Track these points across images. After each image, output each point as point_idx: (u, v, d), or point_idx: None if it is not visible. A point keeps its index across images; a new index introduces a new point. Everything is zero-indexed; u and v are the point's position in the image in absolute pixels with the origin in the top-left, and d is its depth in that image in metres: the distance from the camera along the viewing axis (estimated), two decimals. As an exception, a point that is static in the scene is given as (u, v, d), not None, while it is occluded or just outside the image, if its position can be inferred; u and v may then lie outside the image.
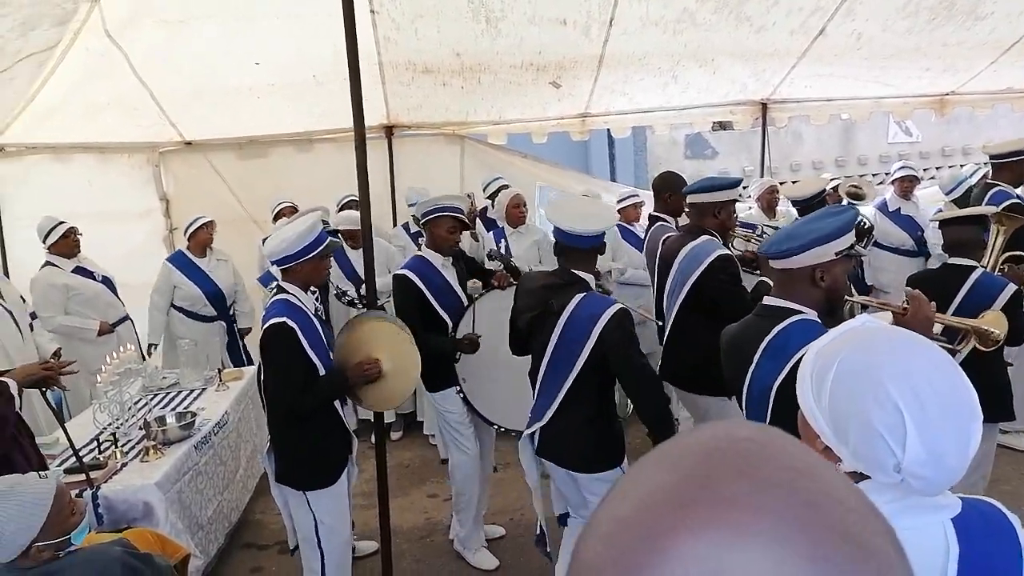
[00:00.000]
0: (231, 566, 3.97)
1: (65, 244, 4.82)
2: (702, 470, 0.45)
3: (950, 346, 2.43)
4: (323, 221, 4.84)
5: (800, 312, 2.00)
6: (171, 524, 3.14)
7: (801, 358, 1.81)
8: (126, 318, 5.08)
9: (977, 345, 2.45)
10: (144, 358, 4.95)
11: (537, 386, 2.98)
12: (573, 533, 3.12)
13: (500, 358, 3.56)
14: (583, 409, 2.85)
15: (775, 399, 1.94)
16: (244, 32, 4.51)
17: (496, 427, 3.70)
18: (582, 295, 2.82)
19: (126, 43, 4.46)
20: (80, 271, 4.89)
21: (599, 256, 3.01)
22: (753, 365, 2.03)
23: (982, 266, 3.40)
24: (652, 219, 4.28)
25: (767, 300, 2.10)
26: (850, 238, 2.02)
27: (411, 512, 4.43)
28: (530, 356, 3.07)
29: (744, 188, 10.87)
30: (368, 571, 3.77)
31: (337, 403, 3.09)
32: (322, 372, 2.97)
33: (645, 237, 4.35)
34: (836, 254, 1.98)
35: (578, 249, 2.86)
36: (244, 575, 3.91)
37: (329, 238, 3.06)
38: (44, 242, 4.82)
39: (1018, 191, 4.53)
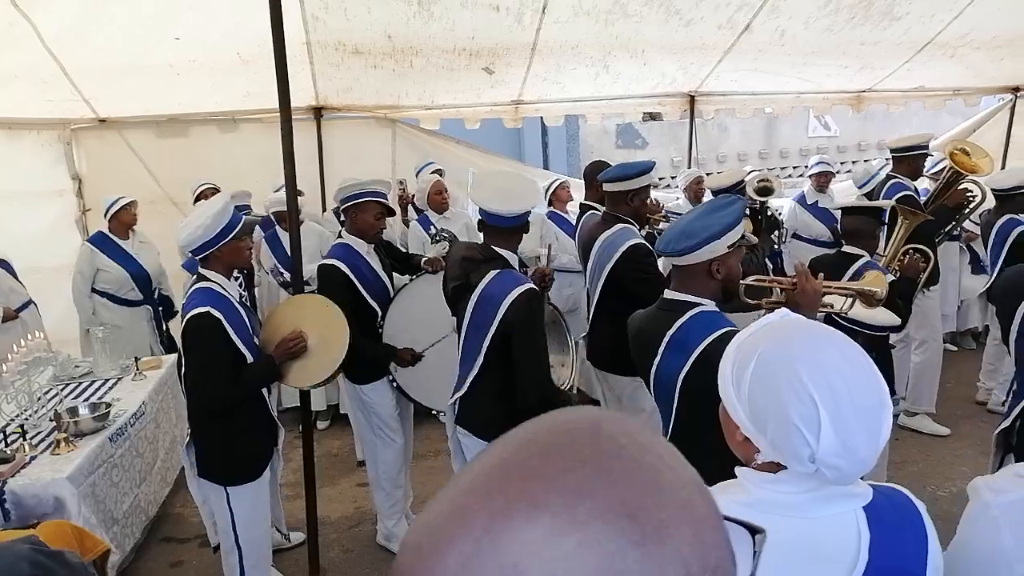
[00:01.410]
0: (150, 560, 3.85)
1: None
2: (518, 449, 0.49)
3: (837, 308, 2.57)
4: (245, 206, 4.72)
5: (699, 304, 2.09)
6: (84, 519, 3.01)
7: (704, 349, 1.96)
8: (29, 303, 4.81)
9: (863, 305, 2.59)
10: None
11: (459, 356, 3.02)
12: None
13: (431, 342, 3.54)
14: (497, 379, 2.88)
15: (680, 390, 2.03)
16: (163, 4, 4.31)
17: (431, 410, 3.67)
18: (496, 272, 2.84)
19: (35, 14, 4.20)
20: None
21: (525, 238, 3.03)
22: (658, 357, 2.12)
23: (877, 255, 3.60)
24: (583, 207, 4.32)
25: (667, 293, 2.18)
26: (740, 230, 2.12)
27: (339, 502, 4.38)
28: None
29: (673, 179, 11.08)
30: (294, 562, 3.71)
31: (264, 391, 3.02)
32: (250, 360, 2.88)
33: (576, 225, 4.39)
34: (728, 247, 2.08)
35: (498, 228, 2.88)
36: (163, 570, 3.79)
37: (244, 216, 2.96)
38: None
39: (915, 184, 4.78)
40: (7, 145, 5.46)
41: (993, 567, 1.15)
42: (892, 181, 4.72)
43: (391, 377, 3.61)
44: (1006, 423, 2.77)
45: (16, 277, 4.78)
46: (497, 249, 2.89)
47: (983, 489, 1.21)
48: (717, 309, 2.11)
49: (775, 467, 1.11)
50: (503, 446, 0.50)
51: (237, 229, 2.88)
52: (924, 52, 5.86)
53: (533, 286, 2.82)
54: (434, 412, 3.65)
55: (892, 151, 4.88)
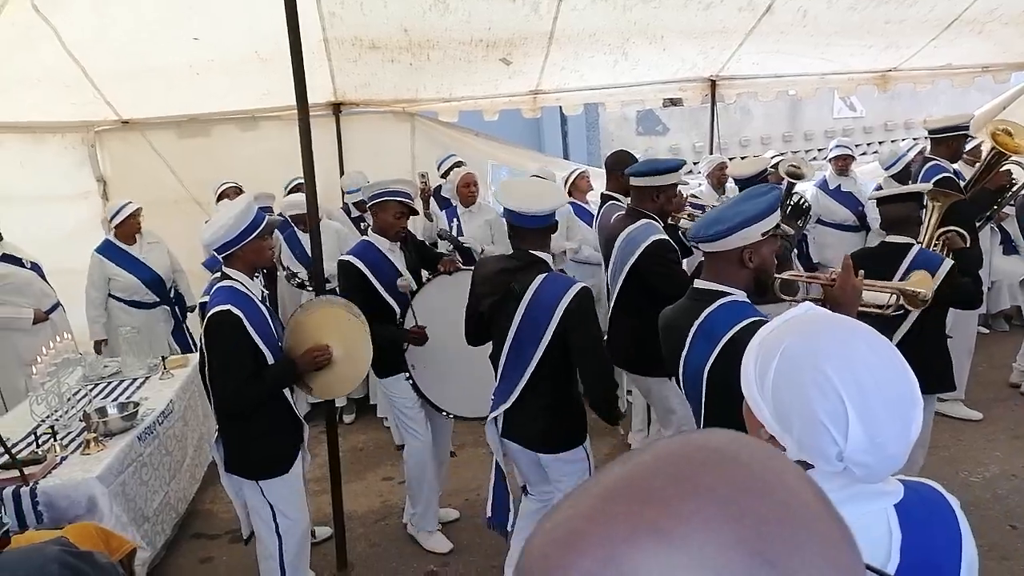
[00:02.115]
0: (181, 557, 3.90)
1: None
2: (647, 471, 0.46)
3: (880, 310, 2.47)
4: (267, 207, 4.74)
5: (729, 294, 2.03)
6: (116, 517, 3.05)
7: (730, 339, 1.91)
8: (58, 305, 4.88)
9: (906, 305, 2.51)
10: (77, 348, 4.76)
11: (500, 369, 2.96)
12: (529, 512, 3.14)
13: (449, 344, 3.53)
14: (548, 390, 2.85)
15: (707, 381, 1.98)
16: (181, 5, 4.33)
17: (444, 414, 3.66)
18: (543, 276, 2.81)
19: (56, 18, 4.24)
20: (7, 259, 4.65)
21: (552, 235, 3.00)
22: (686, 348, 2.06)
23: (918, 242, 3.49)
24: (604, 198, 4.28)
25: (698, 283, 2.12)
26: (776, 218, 2.04)
27: (366, 496, 4.40)
28: (482, 345, 3.08)
29: (695, 164, 10.97)
30: (322, 556, 3.73)
31: (286, 390, 3.03)
32: (271, 360, 2.89)
33: (597, 216, 4.35)
34: (763, 235, 2.01)
35: (531, 229, 2.84)
36: (194, 566, 3.83)
37: (267, 216, 2.97)
38: None
39: (955, 166, 4.64)
40: (32, 148, 5.54)
41: None
42: (930, 163, 4.57)
43: (408, 375, 3.61)
44: None
45: (46, 280, 4.85)
46: (534, 253, 2.85)
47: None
48: (747, 300, 2.04)
49: (802, 466, 1.07)
50: (632, 465, 0.48)
51: (260, 229, 2.90)
52: (951, 29, 5.72)
53: (584, 284, 2.80)
54: (444, 413, 3.63)
55: (930, 132, 4.74)
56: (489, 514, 3.15)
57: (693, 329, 2.04)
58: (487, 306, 2.95)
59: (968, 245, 3.80)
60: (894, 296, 2.43)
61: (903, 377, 1.03)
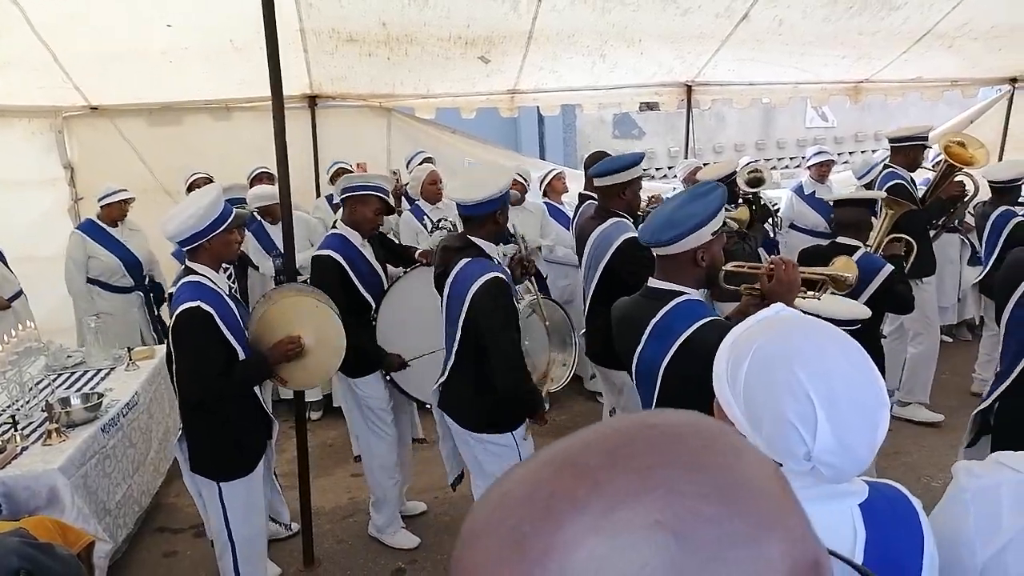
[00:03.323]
0: (144, 551, 3.83)
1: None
2: (585, 444, 0.47)
3: (812, 293, 2.59)
4: (240, 199, 4.68)
5: (683, 293, 2.11)
6: (77, 509, 2.99)
7: (688, 337, 1.97)
8: (20, 292, 4.78)
9: (833, 290, 2.62)
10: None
11: (444, 342, 3.07)
12: (475, 483, 3.26)
13: (425, 334, 3.52)
14: (471, 370, 2.94)
15: (663, 377, 2.06)
16: (154, -9, 4.26)
17: (424, 404, 3.67)
18: (466, 260, 2.88)
19: (25, 1, 4.14)
20: None
21: (526, 232, 3.05)
22: (640, 346, 2.14)
23: (867, 246, 3.59)
24: (582, 198, 4.30)
25: (651, 282, 2.19)
26: (722, 216, 2.13)
27: (333, 492, 4.37)
28: None
29: (670, 168, 11.03)
30: (289, 552, 3.70)
31: (256, 387, 2.99)
32: (242, 355, 2.84)
33: (574, 216, 4.37)
34: (712, 234, 2.10)
35: (472, 217, 2.92)
36: (157, 559, 3.78)
37: (235, 208, 2.91)
38: None
39: (912, 174, 4.77)
40: (-2, 133, 5.41)
41: (956, 549, 1.16)
42: (887, 170, 4.71)
43: (385, 372, 3.60)
44: (985, 403, 2.80)
45: (8, 266, 4.74)
46: (473, 238, 2.93)
47: (962, 472, 1.22)
48: (700, 298, 2.14)
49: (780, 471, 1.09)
50: (575, 438, 0.49)
51: (228, 222, 2.83)
52: (922, 42, 5.83)
53: (498, 274, 2.83)
54: (427, 406, 3.64)
55: (890, 141, 4.87)
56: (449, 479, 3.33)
57: (649, 327, 2.11)
58: (435, 277, 3.08)
59: (908, 252, 3.91)
60: (824, 283, 2.55)
61: (872, 381, 1.05)
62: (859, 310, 2.85)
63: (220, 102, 5.82)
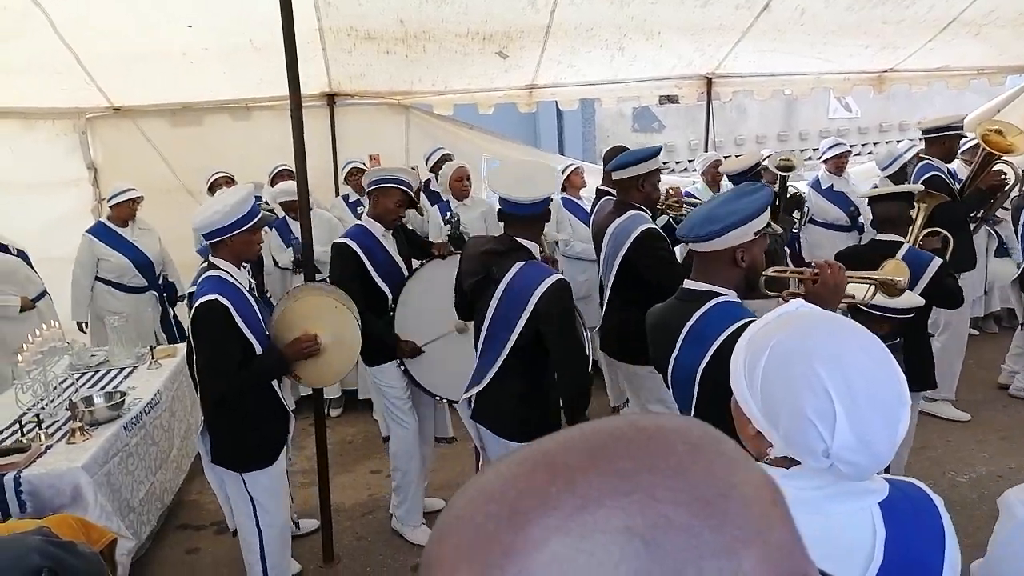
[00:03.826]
0: (166, 548, 3.87)
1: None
2: (566, 443, 0.46)
3: (857, 300, 2.47)
4: (256, 197, 4.72)
5: (720, 294, 2.00)
6: (100, 507, 3.02)
7: (724, 341, 1.88)
8: (44, 293, 4.84)
9: (883, 295, 2.53)
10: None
11: (478, 351, 2.98)
12: None
13: (440, 328, 3.52)
14: (519, 378, 2.85)
15: (700, 383, 1.95)
16: (174, -8, 4.29)
17: (437, 398, 3.68)
18: (522, 264, 2.79)
19: (48, 3, 4.19)
20: None
21: (544, 224, 2.97)
22: (676, 351, 2.03)
23: (907, 241, 3.51)
24: (600, 193, 4.27)
25: (687, 283, 2.09)
26: (767, 216, 2.03)
27: (353, 489, 4.39)
28: (465, 318, 3.11)
29: (690, 162, 10.95)
30: (309, 549, 3.72)
31: (274, 381, 3.01)
32: (259, 350, 2.87)
33: (592, 211, 4.34)
34: (755, 233, 1.99)
35: (519, 216, 2.81)
36: (180, 556, 3.81)
37: (262, 211, 2.95)
38: None
39: (948, 166, 4.65)
40: (24, 135, 5.50)
41: None
42: (922, 162, 4.59)
43: (399, 361, 3.62)
44: None
45: (32, 267, 4.81)
46: (519, 240, 2.83)
47: (1017, 505, 1.17)
48: (738, 300, 2.02)
49: (788, 462, 1.07)
50: (558, 437, 0.47)
51: (253, 221, 2.88)
52: (948, 30, 5.72)
53: (562, 276, 2.77)
54: (438, 399, 3.64)
55: (924, 132, 4.75)
56: None
57: (684, 331, 2.01)
58: (469, 285, 2.96)
59: (945, 246, 3.83)
60: (872, 287, 2.44)
61: (892, 376, 1.02)
62: (914, 299, 2.75)
63: (240, 102, 5.86)
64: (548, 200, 2.83)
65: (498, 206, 2.91)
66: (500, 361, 2.83)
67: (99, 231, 5.11)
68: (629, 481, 0.42)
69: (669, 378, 2.11)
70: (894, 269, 2.68)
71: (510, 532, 0.41)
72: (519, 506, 0.42)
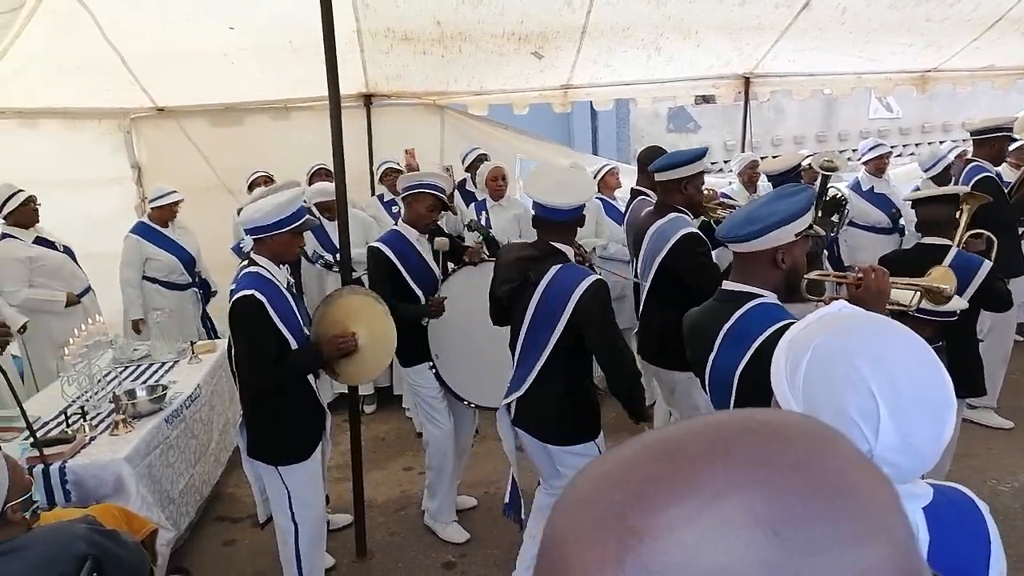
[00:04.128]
0: (204, 539, 3.95)
1: (23, 213, 4.64)
2: (692, 434, 0.47)
3: (903, 307, 2.43)
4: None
5: (760, 296, 1.97)
6: (142, 498, 3.10)
7: (764, 342, 1.86)
8: (89, 289, 4.97)
9: (929, 302, 2.48)
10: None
11: (516, 357, 2.97)
12: (542, 505, 3.15)
13: (473, 334, 3.55)
14: (560, 381, 2.84)
15: (739, 384, 1.93)
16: (216, -6, 4.38)
17: (467, 403, 3.69)
18: (559, 267, 2.80)
19: (94, 4, 4.31)
20: (41, 241, 4.74)
21: (580, 230, 2.97)
22: (714, 352, 2.01)
23: (953, 244, 3.45)
24: (634, 193, 4.25)
25: (726, 284, 2.07)
26: (809, 218, 2.00)
27: (386, 485, 4.43)
28: (506, 328, 3.07)
29: (726, 163, 10.82)
30: (342, 544, 3.76)
31: (310, 377, 3.05)
32: (294, 346, 2.92)
33: (626, 211, 4.32)
34: (796, 235, 1.96)
35: (555, 222, 2.82)
36: (216, 548, 3.88)
37: (307, 215, 2.99)
38: (0, 211, 4.64)
39: (997, 168, 4.54)
40: (70, 134, 5.64)
41: None
42: (972, 164, 4.49)
43: (431, 364, 3.64)
44: None
45: (77, 263, 4.93)
46: (555, 244, 2.84)
47: None
48: (778, 302, 1.99)
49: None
50: (678, 427, 0.48)
51: (296, 224, 2.92)
52: (995, 29, 5.58)
53: (601, 277, 2.78)
54: (465, 403, 3.67)
55: (972, 133, 4.66)
56: (506, 500, 3.18)
57: (723, 332, 1.99)
58: (505, 292, 2.96)
59: (989, 248, 3.73)
60: (918, 294, 2.39)
61: (938, 378, 1.00)
62: (958, 302, 2.70)
63: (279, 102, 5.95)
64: (583, 206, 2.83)
65: (532, 211, 2.91)
66: (540, 364, 2.83)
67: (144, 231, 5.22)
68: (752, 473, 0.43)
69: (707, 380, 2.09)
70: (941, 276, 2.61)
71: (639, 517, 0.42)
72: (645, 493, 0.43)
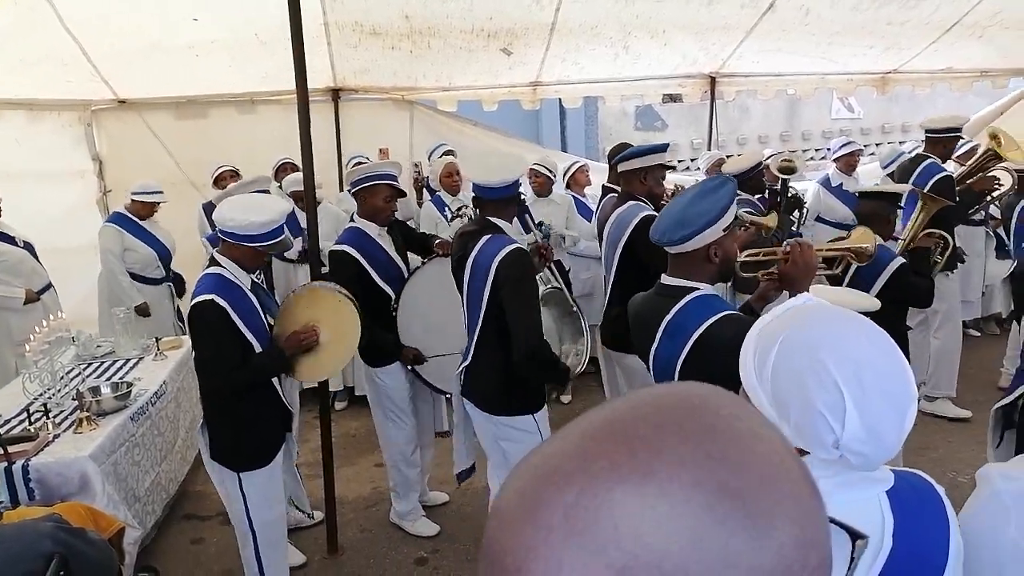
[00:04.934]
0: (171, 537, 3.90)
1: (-16, 208, 4.54)
2: (628, 415, 0.47)
3: (831, 272, 2.62)
4: (265, 191, 4.74)
5: (696, 288, 2.07)
6: (107, 496, 3.05)
7: (702, 334, 1.95)
8: (49, 286, 4.86)
9: (855, 262, 2.64)
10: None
11: (466, 328, 3.09)
12: (491, 473, 3.28)
13: (445, 325, 3.54)
14: (498, 351, 2.92)
15: (680, 375, 2.02)
16: (181, -15, 4.31)
17: (446, 395, 3.72)
18: (487, 237, 2.92)
19: (55, -6, 4.22)
20: (1, 236, 4.63)
21: (515, 205, 3.11)
22: (655, 343, 2.11)
23: (897, 239, 3.62)
24: (605, 190, 4.30)
25: (664, 279, 2.17)
26: (734, 211, 2.10)
27: (357, 482, 4.41)
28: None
29: (693, 161, 10.95)
30: (313, 540, 3.75)
31: (276, 379, 3.00)
32: (258, 349, 2.86)
33: (597, 208, 4.36)
34: (724, 230, 2.06)
35: (490, 200, 2.98)
36: (184, 546, 3.84)
37: (283, 236, 2.90)
38: None
39: (947, 166, 4.70)
40: (29, 126, 5.51)
41: (999, 557, 1.14)
42: (928, 161, 4.62)
43: (409, 364, 3.64)
44: (1007, 400, 2.76)
45: (38, 259, 4.82)
46: (491, 219, 2.97)
47: (996, 476, 1.20)
48: (715, 292, 2.10)
49: (798, 454, 1.09)
50: (611, 409, 0.49)
51: (271, 243, 2.85)
52: (952, 32, 5.74)
53: (521, 246, 2.88)
54: (447, 396, 3.68)
55: (927, 131, 4.79)
56: (462, 470, 3.30)
57: (663, 325, 2.08)
58: (453, 266, 3.09)
59: (948, 251, 3.88)
60: (842, 258, 2.57)
61: (900, 368, 1.05)
62: (867, 302, 2.81)
63: (245, 95, 5.87)
64: (516, 184, 2.99)
65: (472, 192, 3.09)
66: (477, 333, 2.97)
67: (122, 222, 5.13)
68: (702, 443, 0.45)
69: (651, 370, 2.19)
70: (860, 236, 2.74)
71: (605, 507, 0.43)
72: (601, 477, 0.44)
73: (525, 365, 2.84)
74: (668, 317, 2.06)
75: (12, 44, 4.53)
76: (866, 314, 1.14)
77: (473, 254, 2.94)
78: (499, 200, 2.98)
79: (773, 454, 0.46)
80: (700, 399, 0.49)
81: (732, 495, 0.43)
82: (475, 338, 2.99)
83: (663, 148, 3.64)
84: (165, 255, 5.23)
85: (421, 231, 4.35)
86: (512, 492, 0.46)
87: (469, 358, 3.05)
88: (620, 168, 3.63)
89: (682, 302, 2.05)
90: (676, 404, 0.48)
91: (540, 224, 4.78)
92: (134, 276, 5.12)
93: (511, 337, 2.85)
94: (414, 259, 3.87)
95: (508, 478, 0.48)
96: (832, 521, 0.50)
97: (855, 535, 0.55)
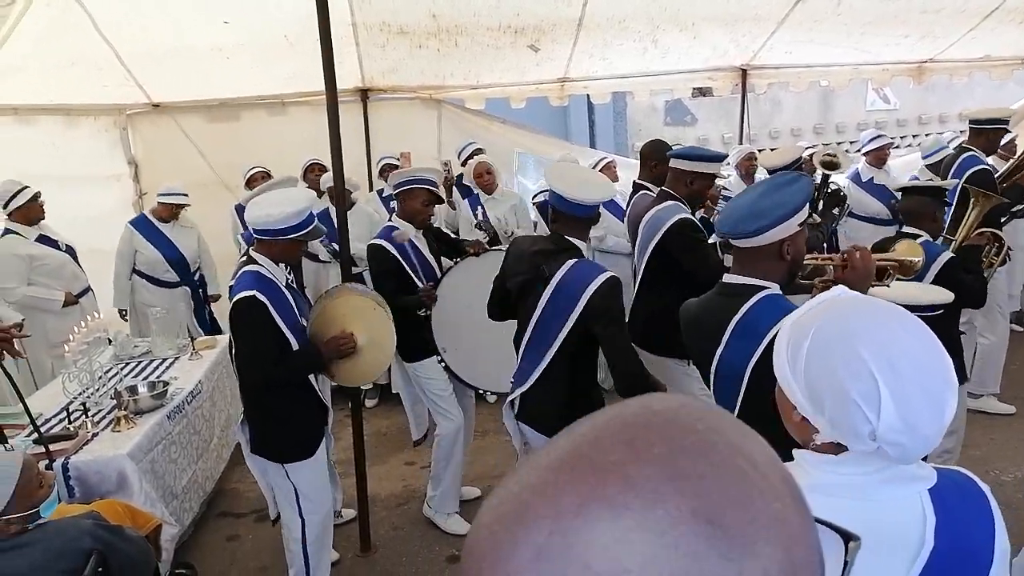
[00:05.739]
0: (207, 535, 3.96)
1: (31, 210, 4.63)
2: (595, 439, 0.46)
3: (880, 283, 2.53)
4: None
5: (765, 287, 1.97)
6: (145, 494, 3.10)
7: (777, 334, 1.86)
8: (88, 289, 4.95)
9: (899, 276, 2.59)
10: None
11: (521, 351, 2.95)
12: None
13: (477, 323, 3.53)
14: (565, 376, 2.83)
15: (750, 378, 1.91)
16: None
17: (479, 391, 3.72)
18: (573, 261, 2.78)
19: (90, 2, 4.30)
20: (44, 240, 4.72)
21: (592, 226, 2.98)
22: (722, 346, 1.99)
23: (948, 237, 3.53)
24: (636, 187, 4.25)
25: (728, 278, 2.06)
26: (807, 208, 2.02)
27: (388, 480, 4.44)
28: (505, 320, 3.08)
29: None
30: (346, 538, 3.77)
31: (311, 376, 3.05)
32: (295, 345, 2.91)
33: (627, 205, 4.32)
34: (799, 225, 1.97)
35: (574, 217, 2.82)
36: (220, 543, 3.89)
37: (315, 223, 2.95)
38: (5, 208, 4.61)
39: (989, 159, 4.56)
40: (66, 131, 5.63)
41: None
42: (967, 154, 4.48)
43: (439, 357, 3.65)
44: None
45: (79, 263, 4.92)
46: (570, 239, 2.84)
47: None
48: (781, 292, 1.99)
49: (834, 449, 1.06)
50: (578, 435, 0.47)
51: (304, 232, 2.90)
52: (991, 18, 5.59)
53: (614, 274, 2.76)
54: (481, 392, 3.67)
55: (971, 122, 4.64)
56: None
57: (731, 326, 1.97)
58: (516, 284, 2.93)
59: (1001, 246, 3.77)
60: (891, 268, 2.51)
61: (937, 358, 1.02)
62: (942, 295, 2.73)
63: (275, 97, 5.94)
64: (600, 204, 2.86)
65: (528, 203, 2.93)
66: (547, 360, 2.81)
67: (140, 224, 5.25)
68: (674, 465, 0.43)
69: (712, 373, 2.07)
70: (907, 249, 2.68)
71: (583, 544, 0.41)
72: (584, 513, 0.42)
73: (628, 395, 2.79)
74: (737, 317, 1.96)
75: (46, 48, 4.63)
76: (922, 311, 1.11)
77: (558, 277, 2.76)
78: (583, 219, 2.83)
79: (753, 471, 0.44)
80: (672, 414, 0.46)
81: (708, 522, 0.41)
82: (544, 364, 2.82)
83: (720, 158, 3.57)
84: (176, 259, 5.26)
85: (456, 235, 4.39)
86: (484, 531, 0.45)
87: (530, 383, 2.86)
88: (672, 164, 3.51)
89: (751, 300, 1.95)
90: (647, 423, 0.46)
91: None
92: (146, 277, 5.22)
93: (613, 369, 2.76)
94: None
95: (481, 512, 0.46)
96: (821, 522, 0.48)
97: (847, 536, 0.53)
